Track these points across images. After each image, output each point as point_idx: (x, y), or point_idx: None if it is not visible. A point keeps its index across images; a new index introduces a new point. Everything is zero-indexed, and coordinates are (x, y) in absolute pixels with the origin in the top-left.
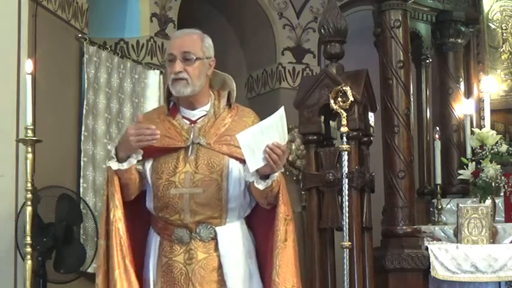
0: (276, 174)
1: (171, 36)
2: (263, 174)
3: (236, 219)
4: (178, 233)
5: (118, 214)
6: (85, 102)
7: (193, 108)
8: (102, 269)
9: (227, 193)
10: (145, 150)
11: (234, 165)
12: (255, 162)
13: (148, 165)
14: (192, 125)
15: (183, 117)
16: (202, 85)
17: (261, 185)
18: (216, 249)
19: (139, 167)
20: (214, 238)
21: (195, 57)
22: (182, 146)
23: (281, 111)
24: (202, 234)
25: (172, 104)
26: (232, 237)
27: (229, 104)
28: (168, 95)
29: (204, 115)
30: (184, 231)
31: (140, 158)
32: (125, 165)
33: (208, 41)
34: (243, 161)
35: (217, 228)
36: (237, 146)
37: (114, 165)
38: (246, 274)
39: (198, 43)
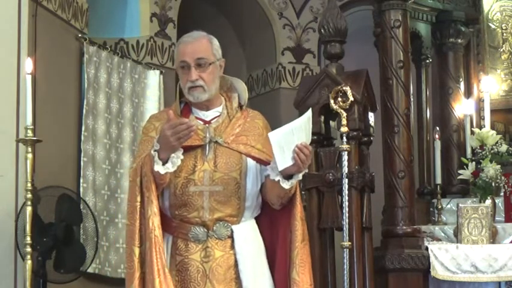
0: (301, 174)
1: (180, 42)
2: (286, 174)
3: (249, 218)
4: (195, 231)
5: (156, 222)
6: (85, 102)
7: (207, 109)
8: (137, 276)
9: (245, 191)
10: None
11: (252, 165)
12: (284, 161)
13: None
14: (207, 125)
15: (196, 117)
16: (216, 88)
17: (286, 184)
18: (232, 247)
19: None
20: (231, 236)
21: (208, 63)
22: (200, 144)
23: (309, 113)
24: (218, 232)
25: (184, 104)
26: (247, 236)
27: (240, 106)
28: (179, 96)
29: (218, 116)
30: (201, 229)
31: (182, 156)
32: (170, 168)
33: (216, 43)
34: (260, 161)
35: (234, 227)
36: (253, 146)
37: (162, 169)
38: (259, 272)
39: (209, 47)
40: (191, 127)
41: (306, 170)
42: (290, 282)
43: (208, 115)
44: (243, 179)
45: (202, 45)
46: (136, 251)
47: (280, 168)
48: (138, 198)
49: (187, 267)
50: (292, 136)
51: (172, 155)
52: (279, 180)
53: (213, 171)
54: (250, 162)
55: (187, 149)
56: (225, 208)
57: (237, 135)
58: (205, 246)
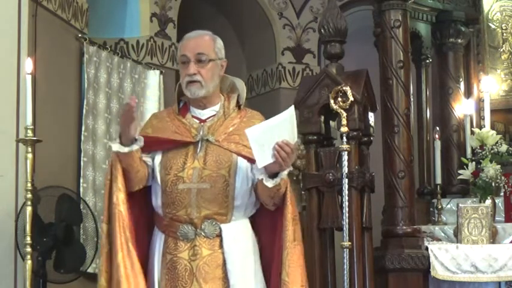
0: (285, 172)
1: (183, 38)
2: (271, 173)
3: (241, 217)
4: (183, 229)
5: (121, 197)
6: (85, 102)
7: (204, 108)
8: (104, 251)
9: (234, 190)
10: (154, 142)
11: (242, 164)
12: (264, 158)
13: (158, 160)
14: (202, 123)
15: (193, 116)
16: (215, 86)
17: (269, 183)
18: (221, 246)
19: (148, 160)
20: (219, 235)
21: (208, 59)
22: (191, 141)
23: (291, 110)
24: (207, 231)
25: (183, 103)
26: (237, 235)
27: (238, 106)
28: (178, 95)
29: (214, 115)
30: (190, 228)
31: (141, 144)
32: (125, 149)
33: (220, 42)
34: (251, 160)
35: (223, 225)
36: (245, 145)
37: (115, 146)
38: (249, 272)
39: (211, 44)
40: (131, 108)
41: (291, 168)
42: (281, 283)
43: (204, 114)
44: (232, 177)
45: (205, 41)
46: (105, 227)
47: (259, 166)
48: (109, 176)
49: (176, 265)
50: (272, 133)
51: (135, 141)
52: (263, 179)
53: (202, 169)
54: (241, 161)
55: (178, 147)
56: (212, 206)
57: (230, 134)
58: (193, 244)
